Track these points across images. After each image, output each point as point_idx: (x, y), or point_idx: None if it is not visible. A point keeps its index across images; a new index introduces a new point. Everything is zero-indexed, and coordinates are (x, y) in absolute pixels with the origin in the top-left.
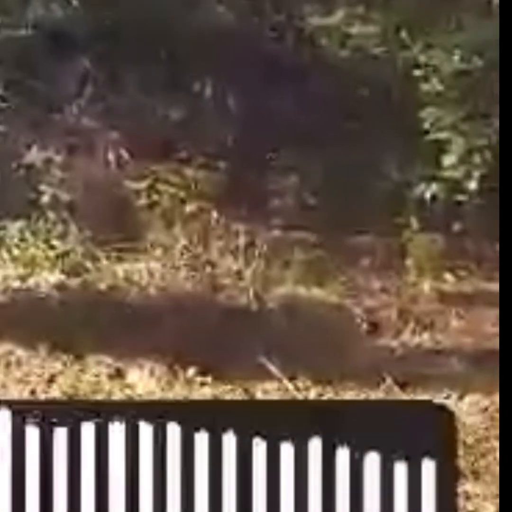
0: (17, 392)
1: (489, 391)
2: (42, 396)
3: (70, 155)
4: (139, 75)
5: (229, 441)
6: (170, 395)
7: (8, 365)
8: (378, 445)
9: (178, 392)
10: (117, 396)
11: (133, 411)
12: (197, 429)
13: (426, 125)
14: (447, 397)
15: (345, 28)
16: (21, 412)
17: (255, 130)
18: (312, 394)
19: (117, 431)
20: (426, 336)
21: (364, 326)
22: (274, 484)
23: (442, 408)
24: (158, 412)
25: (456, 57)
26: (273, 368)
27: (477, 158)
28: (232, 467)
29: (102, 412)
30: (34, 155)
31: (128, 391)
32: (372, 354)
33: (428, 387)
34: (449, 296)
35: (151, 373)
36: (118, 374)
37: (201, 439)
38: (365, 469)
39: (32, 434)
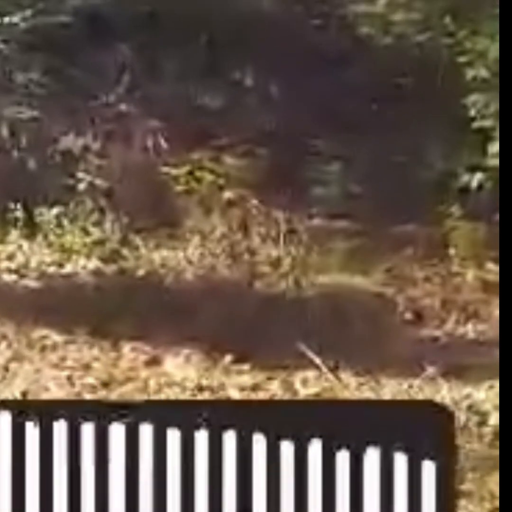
0: (52, 377)
1: None
2: (77, 383)
3: (108, 142)
4: (179, 63)
5: (229, 439)
6: (207, 383)
7: (43, 350)
8: (378, 445)
9: (215, 380)
10: (153, 383)
11: (133, 411)
12: (197, 428)
13: (472, 113)
14: (490, 388)
15: (388, 15)
16: (21, 413)
17: (297, 118)
18: (352, 383)
19: (117, 431)
20: (469, 326)
21: (407, 315)
22: (274, 485)
23: (442, 408)
24: (157, 412)
25: None
26: (313, 357)
27: None
28: (232, 466)
29: (102, 412)
30: (71, 142)
31: (164, 378)
32: (414, 343)
33: (470, 377)
34: (492, 286)
35: (188, 360)
36: (155, 361)
37: (201, 439)
38: (365, 468)
39: (32, 435)
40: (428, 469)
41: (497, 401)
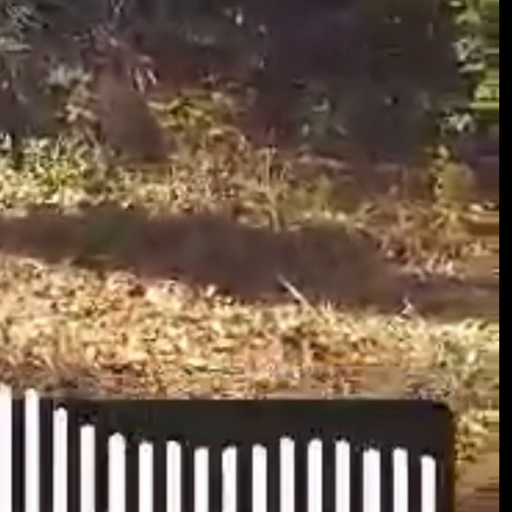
0: (36, 305)
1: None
2: (61, 310)
3: (98, 76)
4: (171, 0)
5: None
6: (189, 314)
7: (28, 278)
8: (378, 445)
9: (197, 312)
10: (137, 313)
11: (130, 409)
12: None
13: (461, 57)
14: (469, 326)
15: None
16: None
17: (287, 57)
18: (332, 318)
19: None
20: (450, 265)
21: (389, 253)
22: (274, 489)
23: (441, 407)
24: (157, 409)
25: None
26: (294, 291)
27: None
28: (232, 468)
29: (101, 411)
30: (62, 75)
31: (146, 309)
32: (395, 280)
33: (449, 315)
34: (476, 226)
35: (171, 291)
36: (138, 291)
37: (202, 436)
38: (365, 468)
39: (32, 430)
40: (428, 468)
41: (474, 340)
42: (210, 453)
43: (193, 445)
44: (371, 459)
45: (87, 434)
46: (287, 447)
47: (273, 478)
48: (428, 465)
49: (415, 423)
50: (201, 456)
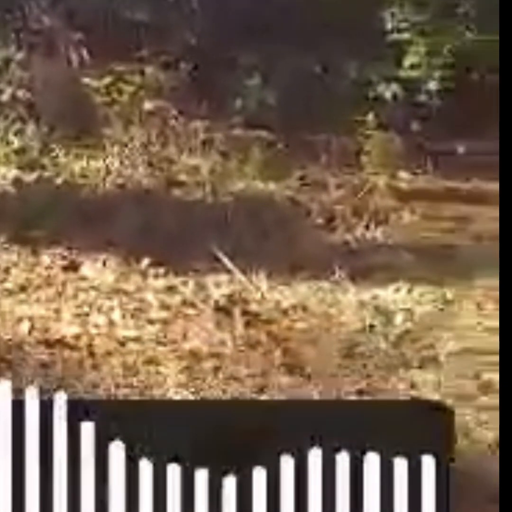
0: None
1: (437, 283)
2: None
3: (31, 54)
4: None
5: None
6: (123, 287)
7: None
8: (378, 445)
9: (132, 284)
10: (71, 287)
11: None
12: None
13: (388, 26)
14: (397, 290)
15: None
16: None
17: (219, 31)
18: (264, 286)
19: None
20: (379, 231)
21: (319, 220)
22: (274, 503)
23: (440, 407)
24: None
25: None
26: (226, 260)
27: (438, 60)
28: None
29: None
30: None
31: (81, 283)
32: (325, 247)
33: (378, 280)
34: (404, 193)
35: (105, 265)
36: (72, 266)
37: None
38: (365, 469)
39: (33, 432)
40: (428, 466)
41: (402, 303)
42: (210, 474)
43: (193, 466)
44: (371, 463)
45: (87, 433)
46: (287, 464)
47: (272, 499)
48: (428, 467)
49: (414, 423)
50: (201, 477)
